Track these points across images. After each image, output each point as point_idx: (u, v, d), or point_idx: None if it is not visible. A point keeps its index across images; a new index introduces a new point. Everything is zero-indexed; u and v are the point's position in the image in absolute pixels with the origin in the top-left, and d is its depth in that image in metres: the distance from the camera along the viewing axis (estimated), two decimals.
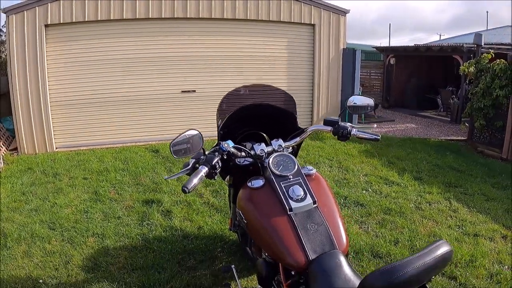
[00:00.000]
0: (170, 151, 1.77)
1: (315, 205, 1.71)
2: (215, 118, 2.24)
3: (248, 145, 2.01)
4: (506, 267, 3.12)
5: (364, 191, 4.57)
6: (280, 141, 1.99)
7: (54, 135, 6.24)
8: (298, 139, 2.11)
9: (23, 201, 4.08)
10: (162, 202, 3.98)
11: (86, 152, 5.79)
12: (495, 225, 3.81)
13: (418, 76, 11.96)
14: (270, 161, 1.81)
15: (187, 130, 1.79)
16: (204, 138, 1.79)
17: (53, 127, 6.22)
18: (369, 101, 2.20)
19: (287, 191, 1.71)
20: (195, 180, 1.60)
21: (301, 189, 1.73)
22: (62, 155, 5.74)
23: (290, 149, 2.07)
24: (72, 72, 6.19)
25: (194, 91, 6.85)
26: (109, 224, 3.51)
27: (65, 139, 6.34)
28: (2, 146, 5.99)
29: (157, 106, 6.67)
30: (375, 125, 2.69)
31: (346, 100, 2.24)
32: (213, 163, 1.69)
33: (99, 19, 6.13)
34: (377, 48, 13.63)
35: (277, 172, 1.78)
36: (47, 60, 5.99)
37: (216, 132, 2.16)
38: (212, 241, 3.25)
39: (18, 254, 3.05)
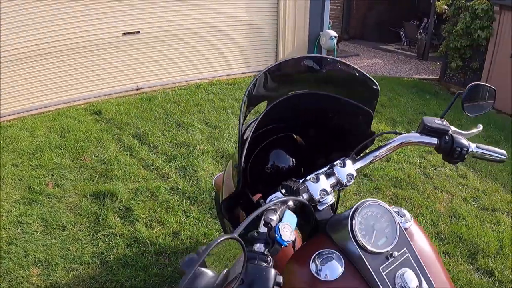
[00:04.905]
0: None
1: None
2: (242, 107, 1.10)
3: (294, 183, 1.04)
4: None
5: None
6: (349, 165, 1.10)
7: None
8: (371, 156, 1.20)
9: None
10: (116, 194, 3.05)
11: (14, 124, 4.45)
12: (507, 195, 3.45)
13: (379, 7, 11.18)
14: (356, 227, 0.92)
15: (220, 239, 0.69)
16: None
17: None
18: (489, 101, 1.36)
19: (393, 283, 0.89)
20: None
21: (413, 274, 0.91)
22: None
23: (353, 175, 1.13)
24: None
25: (139, 32, 5.57)
26: (54, 241, 2.58)
27: None
28: None
29: (94, 55, 5.33)
30: (480, 127, 1.87)
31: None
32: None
33: None
34: None
35: (371, 248, 0.91)
36: None
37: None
38: None
39: None
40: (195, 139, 4.06)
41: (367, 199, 0.99)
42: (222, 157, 3.77)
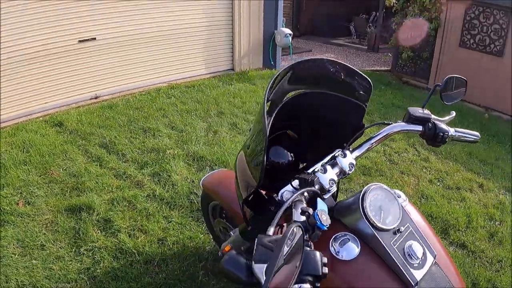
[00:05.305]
0: None
1: (435, 260, 1.08)
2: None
3: (307, 175, 1.13)
4: (498, 222, 3.05)
5: None
6: (349, 155, 1.22)
7: None
8: (367, 145, 1.36)
9: None
10: (92, 206, 2.97)
11: None
12: (468, 174, 3.71)
13: (328, 2, 11.48)
14: (367, 208, 1.05)
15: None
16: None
17: None
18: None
19: (403, 254, 1.03)
20: None
21: (418, 244, 1.06)
22: None
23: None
24: None
25: (95, 39, 5.40)
26: (34, 261, 2.47)
27: None
28: None
29: (48, 65, 5.09)
30: (454, 113, 2.00)
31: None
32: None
33: None
34: None
35: (381, 226, 1.05)
36: None
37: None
38: (184, 259, 2.48)
39: None
40: (164, 144, 4.02)
41: (372, 183, 1.12)
42: (194, 160, 3.77)
